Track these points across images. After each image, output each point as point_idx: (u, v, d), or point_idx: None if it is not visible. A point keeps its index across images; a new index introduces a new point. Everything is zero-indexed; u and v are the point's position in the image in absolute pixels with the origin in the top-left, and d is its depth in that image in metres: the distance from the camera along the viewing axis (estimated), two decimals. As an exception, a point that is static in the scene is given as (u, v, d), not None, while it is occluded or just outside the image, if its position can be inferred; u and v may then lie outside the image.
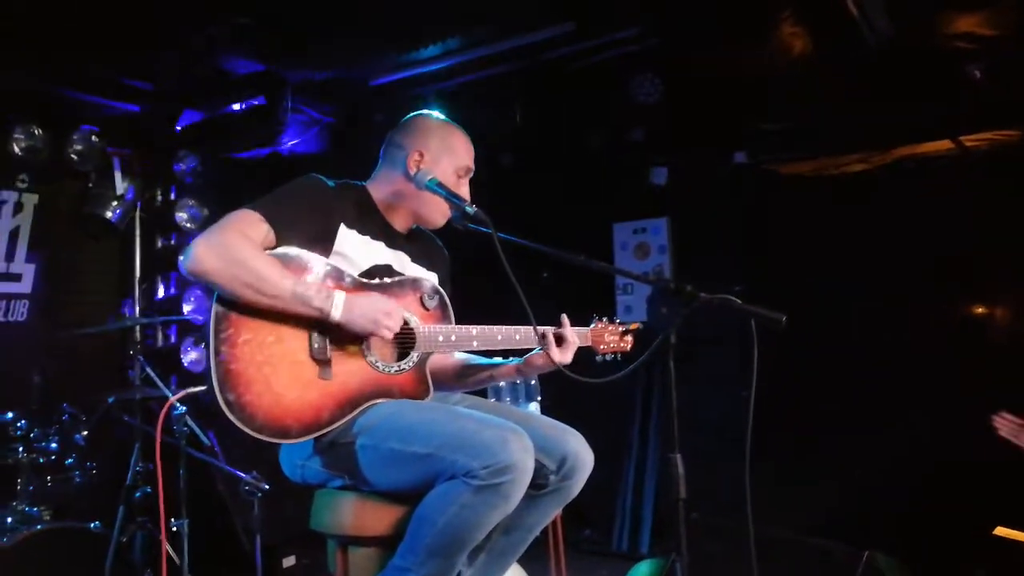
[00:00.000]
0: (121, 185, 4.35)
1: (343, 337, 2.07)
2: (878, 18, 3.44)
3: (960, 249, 4.12)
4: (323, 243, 2.13)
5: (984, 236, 4.08)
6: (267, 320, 1.99)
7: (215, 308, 1.97)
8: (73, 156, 4.17)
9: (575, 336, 2.34)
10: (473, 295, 2.57)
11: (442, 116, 2.41)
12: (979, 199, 4.08)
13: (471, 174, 2.37)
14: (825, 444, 4.22)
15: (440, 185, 2.21)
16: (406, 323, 2.17)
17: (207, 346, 1.94)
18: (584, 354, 2.41)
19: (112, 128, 4.30)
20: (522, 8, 3.86)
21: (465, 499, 1.91)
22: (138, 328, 4.48)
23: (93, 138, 4.19)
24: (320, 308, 1.99)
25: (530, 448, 1.96)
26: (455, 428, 1.97)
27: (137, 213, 4.52)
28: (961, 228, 4.12)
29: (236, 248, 1.95)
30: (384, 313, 2.05)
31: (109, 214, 4.28)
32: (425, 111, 2.44)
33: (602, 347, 2.48)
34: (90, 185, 4.30)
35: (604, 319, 2.51)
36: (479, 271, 2.61)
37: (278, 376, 1.98)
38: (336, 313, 2.00)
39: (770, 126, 4.37)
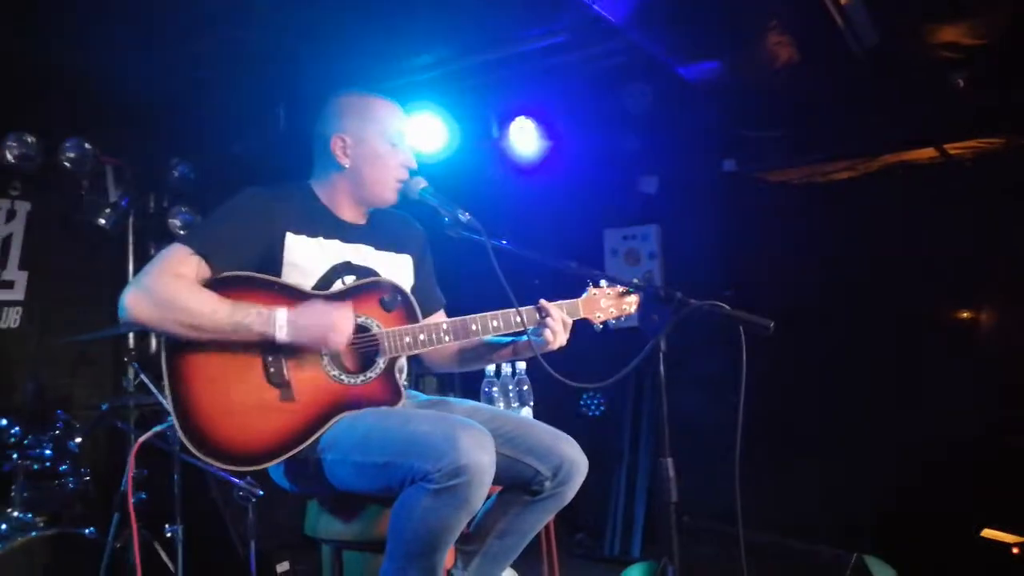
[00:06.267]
0: (114, 192, 4.35)
1: (299, 356, 2.02)
2: (863, 28, 3.50)
3: (946, 254, 4.18)
4: (271, 257, 2.08)
5: (969, 242, 4.14)
6: (218, 353, 1.95)
7: (164, 350, 1.95)
8: (66, 163, 4.17)
9: (561, 312, 2.20)
10: (460, 301, 2.59)
11: (358, 88, 2.23)
12: (964, 206, 4.14)
13: (407, 137, 2.23)
14: (814, 448, 4.26)
15: (433, 194, 2.18)
16: (366, 329, 2.10)
17: (164, 388, 1.92)
18: (579, 354, 2.32)
19: (105, 135, 4.30)
20: (515, 17, 3.89)
21: (426, 503, 1.85)
22: (132, 335, 4.48)
23: (86, 145, 4.19)
24: (262, 333, 1.94)
25: (486, 444, 1.88)
26: (406, 432, 1.92)
27: (130, 220, 4.52)
28: (947, 234, 4.18)
29: (164, 290, 1.92)
30: (330, 325, 1.97)
31: (102, 221, 4.26)
32: (339, 90, 2.26)
33: (598, 314, 2.28)
34: (83, 192, 4.29)
35: (602, 282, 2.28)
36: (467, 275, 2.63)
37: (240, 406, 1.95)
38: (280, 334, 1.95)
39: (758, 134, 4.42)
